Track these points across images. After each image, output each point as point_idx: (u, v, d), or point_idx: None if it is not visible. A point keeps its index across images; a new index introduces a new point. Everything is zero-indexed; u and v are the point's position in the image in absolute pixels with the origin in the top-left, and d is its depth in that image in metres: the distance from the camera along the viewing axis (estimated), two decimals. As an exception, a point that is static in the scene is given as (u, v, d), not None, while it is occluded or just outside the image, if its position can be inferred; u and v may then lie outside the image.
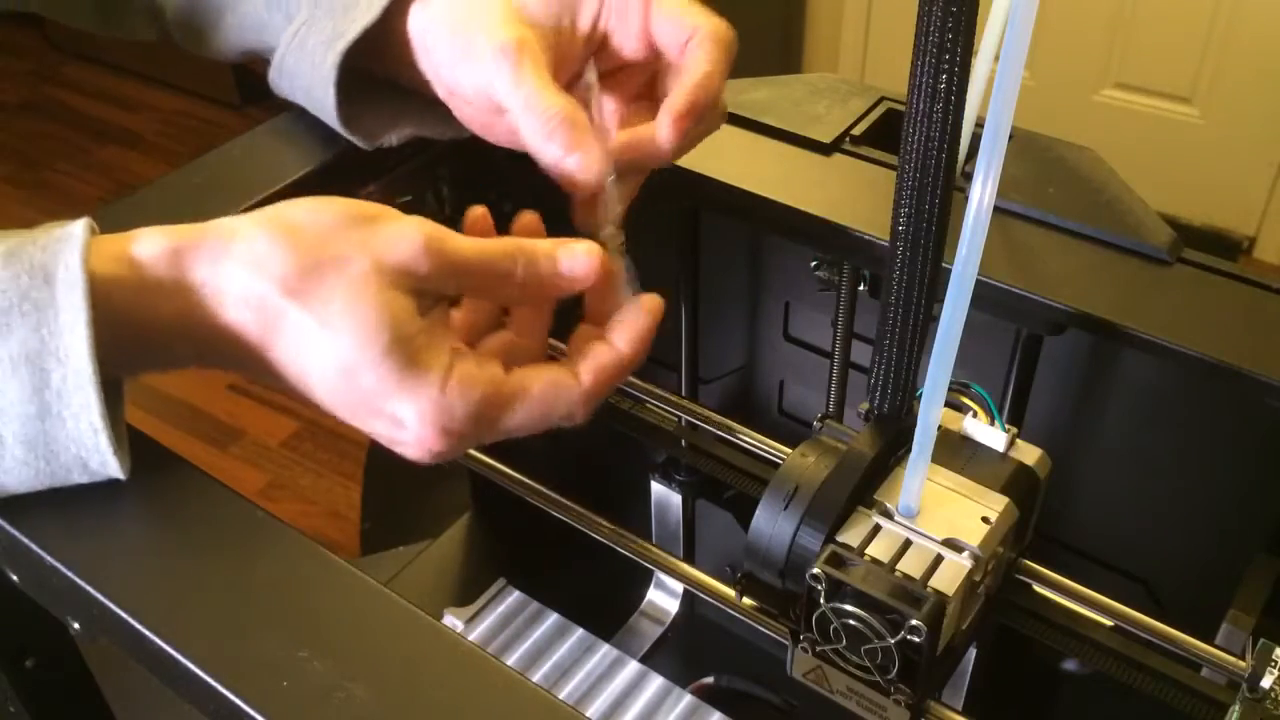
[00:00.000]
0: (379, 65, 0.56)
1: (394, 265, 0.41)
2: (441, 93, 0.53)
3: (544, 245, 0.45)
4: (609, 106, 0.54)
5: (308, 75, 0.56)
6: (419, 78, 0.54)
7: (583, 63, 0.53)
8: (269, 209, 0.43)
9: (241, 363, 0.42)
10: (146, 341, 0.42)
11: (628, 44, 0.52)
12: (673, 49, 0.51)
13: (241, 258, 0.41)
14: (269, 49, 0.59)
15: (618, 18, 0.51)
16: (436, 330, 0.42)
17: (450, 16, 0.52)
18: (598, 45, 0.52)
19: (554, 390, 0.43)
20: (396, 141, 0.57)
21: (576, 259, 0.45)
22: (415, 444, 0.42)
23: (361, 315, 0.40)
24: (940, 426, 0.45)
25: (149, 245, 0.41)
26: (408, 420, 0.41)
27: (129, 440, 0.43)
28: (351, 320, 0.40)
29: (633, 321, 0.45)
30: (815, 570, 0.44)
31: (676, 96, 0.49)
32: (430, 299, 0.42)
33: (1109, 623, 0.51)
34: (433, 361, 0.41)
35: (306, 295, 0.40)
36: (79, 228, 0.41)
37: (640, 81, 0.54)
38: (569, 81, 0.52)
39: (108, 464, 0.41)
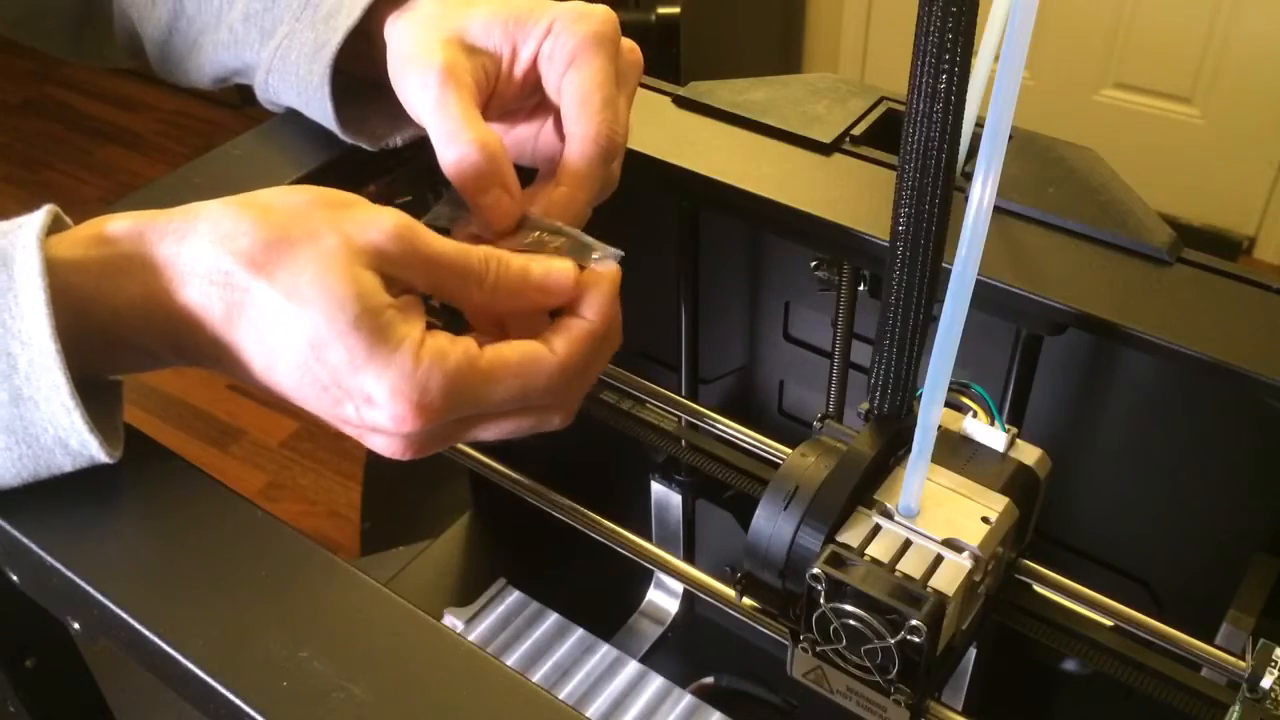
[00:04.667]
0: (365, 69, 0.55)
1: (364, 245, 0.40)
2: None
3: (520, 257, 0.44)
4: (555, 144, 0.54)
5: (295, 88, 0.55)
6: None
7: (521, 95, 0.52)
8: (241, 194, 0.42)
9: (208, 348, 0.41)
10: (114, 328, 0.41)
11: (553, 85, 0.51)
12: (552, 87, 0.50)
13: (206, 235, 0.41)
14: (245, 69, 0.59)
15: (546, 61, 0.50)
16: (408, 308, 0.41)
17: (409, 31, 0.51)
18: (536, 81, 0.51)
19: (530, 362, 0.42)
20: (402, 142, 0.57)
21: (552, 273, 0.44)
22: (389, 423, 0.40)
23: (329, 287, 0.39)
24: (940, 426, 0.45)
25: (114, 226, 0.41)
26: (378, 396, 0.40)
27: (130, 439, 0.43)
28: (320, 293, 0.39)
29: (594, 289, 0.45)
30: (815, 570, 0.44)
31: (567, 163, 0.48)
32: (399, 288, 0.42)
33: (1109, 623, 0.51)
34: (404, 334, 0.40)
35: (273, 269, 0.40)
36: (39, 213, 0.41)
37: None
38: (503, 113, 0.52)
39: (87, 443, 0.41)
